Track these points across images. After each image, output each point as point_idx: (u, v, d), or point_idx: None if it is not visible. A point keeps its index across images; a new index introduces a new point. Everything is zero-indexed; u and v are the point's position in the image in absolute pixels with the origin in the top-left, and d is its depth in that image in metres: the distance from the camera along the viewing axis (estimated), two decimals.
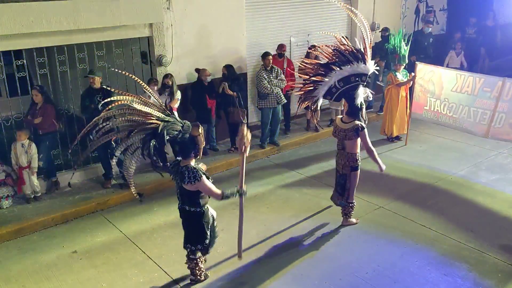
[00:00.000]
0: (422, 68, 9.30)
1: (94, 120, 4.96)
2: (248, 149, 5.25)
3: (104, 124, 4.90)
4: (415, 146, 9.73)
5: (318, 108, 6.55)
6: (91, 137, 5.00)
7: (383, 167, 6.53)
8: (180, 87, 8.69)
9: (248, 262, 6.01)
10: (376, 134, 9.83)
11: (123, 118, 4.91)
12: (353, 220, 6.84)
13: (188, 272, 5.78)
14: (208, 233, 5.39)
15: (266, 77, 9.20)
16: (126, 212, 7.46)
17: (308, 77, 6.35)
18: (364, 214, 7.06)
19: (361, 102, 6.30)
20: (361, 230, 6.69)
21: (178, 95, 8.39)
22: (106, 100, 4.94)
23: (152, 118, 4.92)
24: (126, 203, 7.75)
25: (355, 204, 6.74)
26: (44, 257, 6.31)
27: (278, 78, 9.31)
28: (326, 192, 7.79)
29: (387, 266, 5.85)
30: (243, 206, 5.41)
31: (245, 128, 5.22)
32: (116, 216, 7.36)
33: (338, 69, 6.14)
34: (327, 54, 6.31)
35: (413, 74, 9.35)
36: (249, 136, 5.20)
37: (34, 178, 7.51)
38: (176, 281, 5.70)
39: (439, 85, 9.00)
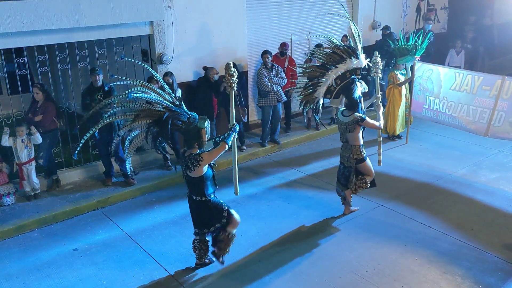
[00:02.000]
0: (420, 67, 9.30)
1: (104, 101, 5.09)
2: (234, 85, 5.66)
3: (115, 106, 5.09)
4: (415, 144, 9.73)
5: (320, 108, 6.73)
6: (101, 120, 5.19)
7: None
8: (181, 85, 8.70)
9: (248, 259, 6.02)
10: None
11: (133, 102, 5.04)
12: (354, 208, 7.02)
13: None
14: (224, 206, 5.51)
15: (266, 75, 9.21)
16: (126, 210, 7.47)
17: (308, 81, 6.60)
18: (364, 212, 7.07)
19: (359, 95, 6.48)
20: (361, 228, 6.70)
21: (179, 93, 8.40)
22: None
23: (160, 105, 5.08)
24: (126, 201, 7.78)
25: (369, 185, 6.78)
26: (45, 254, 6.33)
27: (279, 76, 9.32)
28: (327, 190, 7.82)
29: (387, 264, 5.86)
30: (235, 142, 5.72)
31: (232, 66, 5.61)
32: (116, 213, 7.37)
33: (334, 67, 6.38)
34: (322, 56, 6.58)
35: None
36: (235, 75, 5.61)
37: (33, 171, 7.50)
38: (176, 279, 5.71)
39: (437, 83, 9.00)
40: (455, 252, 6.07)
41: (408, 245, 6.25)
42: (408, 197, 7.53)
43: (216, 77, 8.82)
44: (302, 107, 6.78)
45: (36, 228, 7.00)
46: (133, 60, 5.54)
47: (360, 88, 6.48)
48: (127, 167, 5.43)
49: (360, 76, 6.53)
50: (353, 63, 6.36)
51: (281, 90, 9.41)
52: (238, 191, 6.04)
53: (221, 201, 5.54)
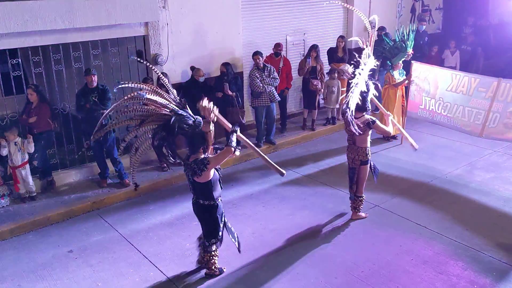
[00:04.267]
0: (417, 67, 9.32)
1: (113, 106, 4.95)
2: (215, 114, 5.12)
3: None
4: None
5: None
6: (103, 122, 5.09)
7: (415, 146, 7.42)
8: (176, 86, 8.68)
9: (243, 260, 6.01)
10: (372, 132, 9.82)
11: (137, 106, 4.92)
12: (362, 214, 6.94)
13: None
14: (221, 226, 5.47)
15: (258, 76, 9.20)
16: (122, 211, 7.45)
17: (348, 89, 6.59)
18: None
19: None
20: (357, 228, 6.70)
21: (174, 93, 8.38)
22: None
23: (167, 109, 4.97)
24: (122, 202, 7.76)
25: (364, 197, 6.85)
26: (40, 256, 6.31)
27: (271, 76, 9.30)
28: (322, 191, 7.84)
29: (382, 264, 5.86)
30: (245, 138, 5.37)
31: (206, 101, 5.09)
32: (112, 215, 7.34)
33: (361, 70, 6.41)
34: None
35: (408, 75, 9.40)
36: (211, 106, 5.07)
37: (29, 175, 7.46)
38: (172, 280, 5.70)
39: (434, 84, 9.03)
40: (451, 252, 6.08)
41: (403, 245, 6.26)
42: (404, 197, 7.54)
43: (201, 79, 8.78)
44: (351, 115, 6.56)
45: (31, 230, 6.97)
46: (145, 62, 5.42)
47: (372, 89, 6.54)
48: (132, 180, 5.29)
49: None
50: (370, 63, 6.45)
51: (274, 90, 9.40)
52: (283, 171, 5.41)
53: (223, 219, 5.52)
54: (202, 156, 5.17)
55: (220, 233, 5.49)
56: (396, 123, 7.75)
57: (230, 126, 5.22)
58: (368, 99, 6.50)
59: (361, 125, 6.47)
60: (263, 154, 5.34)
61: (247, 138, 5.46)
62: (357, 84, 6.32)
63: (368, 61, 6.47)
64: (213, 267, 5.63)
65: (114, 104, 4.96)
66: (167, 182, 8.28)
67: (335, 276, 5.66)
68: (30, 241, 6.71)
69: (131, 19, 8.13)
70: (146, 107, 4.92)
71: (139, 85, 4.91)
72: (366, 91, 6.43)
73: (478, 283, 5.48)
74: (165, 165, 8.59)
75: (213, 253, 5.57)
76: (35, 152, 7.50)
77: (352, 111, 6.35)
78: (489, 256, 5.97)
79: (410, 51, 9.36)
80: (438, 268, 5.76)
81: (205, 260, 5.63)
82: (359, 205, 6.86)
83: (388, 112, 7.15)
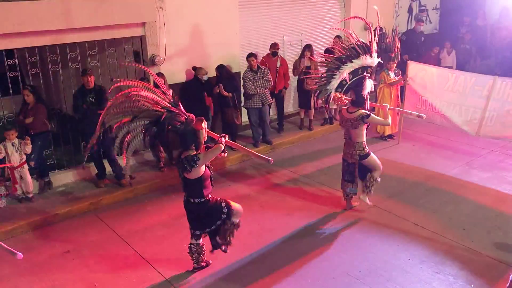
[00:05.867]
0: (414, 67, 9.33)
1: (108, 107, 4.96)
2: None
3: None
4: (407, 144, 9.76)
5: (331, 101, 6.74)
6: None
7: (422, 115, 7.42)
8: (173, 86, 8.67)
9: (241, 260, 6.01)
10: (369, 132, 9.84)
11: (130, 103, 4.95)
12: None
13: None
14: (223, 213, 5.47)
15: (251, 78, 9.20)
16: (119, 212, 7.44)
17: (323, 72, 6.69)
18: (357, 213, 7.08)
19: (366, 93, 6.60)
20: (354, 228, 6.71)
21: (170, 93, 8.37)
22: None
23: (158, 106, 5.02)
24: (119, 202, 7.74)
25: (378, 181, 6.88)
26: (37, 257, 6.29)
27: (264, 78, 9.29)
28: (319, 191, 7.84)
29: (379, 264, 5.87)
30: (235, 143, 5.83)
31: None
32: (109, 215, 7.33)
33: (350, 62, 6.47)
34: (339, 49, 6.66)
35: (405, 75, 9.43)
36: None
37: (28, 175, 7.44)
38: (169, 281, 5.70)
39: (430, 83, 9.04)
40: (447, 252, 6.09)
41: (400, 245, 6.27)
42: (401, 197, 7.55)
43: (205, 77, 8.79)
44: (316, 99, 6.86)
45: (28, 230, 6.95)
46: (127, 63, 5.46)
47: (370, 86, 6.60)
48: (122, 171, 5.34)
49: (370, 74, 6.65)
50: (368, 60, 6.48)
51: (267, 93, 9.39)
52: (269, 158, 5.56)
53: (218, 198, 5.52)
54: (194, 153, 5.20)
55: (224, 207, 5.44)
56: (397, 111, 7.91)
57: (218, 136, 5.48)
58: (364, 94, 6.54)
59: (354, 120, 6.53)
60: (247, 149, 5.69)
61: (243, 138, 5.55)
62: (337, 72, 6.44)
63: (365, 59, 6.50)
64: (226, 238, 5.55)
65: (109, 104, 4.98)
66: (164, 182, 8.27)
67: (333, 276, 5.67)
68: (27, 242, 6.69)
69: (128, 19, 8.11)
70: (138, 103, 4.96)
71: (131, 82, 4.94)
72: (363, 87, 6.49)
73: (475, 283, 5.50)
74: (162, 165, 8.59)
75: (233, 225, 5.53)
76: (32, 153, 7.48)
77: (331, 92, 6.50)
78: (486, 256, 5.98)
79: (392, 54, 9.45)
80: (435, 268, 5.77)
81: (226, 228, 5.52)
82: (372, 184, 6.86)
83: (384, 104, 7.22)
